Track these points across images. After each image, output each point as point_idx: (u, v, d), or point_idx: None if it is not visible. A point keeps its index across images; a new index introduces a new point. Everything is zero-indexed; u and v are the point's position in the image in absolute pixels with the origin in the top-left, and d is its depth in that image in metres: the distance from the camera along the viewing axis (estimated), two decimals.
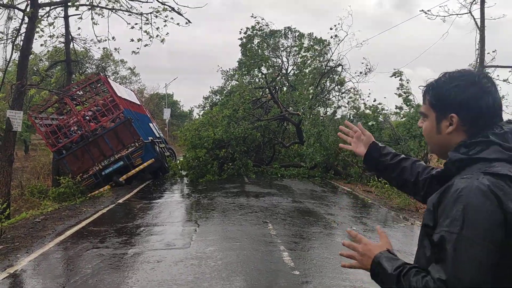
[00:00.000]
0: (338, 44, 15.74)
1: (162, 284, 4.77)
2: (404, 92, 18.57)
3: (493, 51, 16.69)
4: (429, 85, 1.42)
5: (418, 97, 16.82)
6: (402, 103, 18.19)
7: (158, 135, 18.78)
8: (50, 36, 14.80)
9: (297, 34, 33.55)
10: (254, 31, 20.14)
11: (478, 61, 16.13)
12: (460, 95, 1.33)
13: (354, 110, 16.39)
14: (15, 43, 10.75)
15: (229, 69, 37.13)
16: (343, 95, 16.23)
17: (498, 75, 17.91)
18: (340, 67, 15.86)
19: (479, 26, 15.80)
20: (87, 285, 4.82)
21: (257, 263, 5.52)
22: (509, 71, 16.36)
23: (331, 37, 15.86)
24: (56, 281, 5.01)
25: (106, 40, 14.74)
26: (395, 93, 17.45)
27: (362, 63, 16.60)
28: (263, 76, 19.17)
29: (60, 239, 7.06)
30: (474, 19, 15.70)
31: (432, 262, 1.22)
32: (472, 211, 1.15)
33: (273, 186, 13.36)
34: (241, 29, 19.21)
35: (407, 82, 18.45)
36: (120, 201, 11.17)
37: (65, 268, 5.59)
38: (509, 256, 1.15)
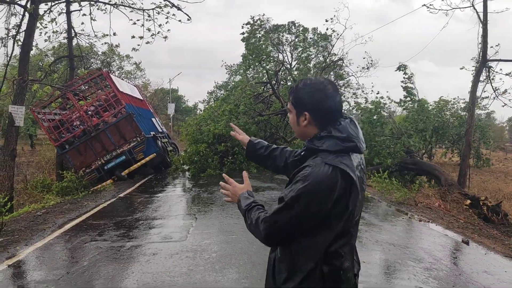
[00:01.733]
0: (338, 39, 15.75)
1: (156, 276, 4.85)
2: (408, 86, 18.54)
3: (496, 45, 16.58)
4: (292, 89, 1.93)
5: (421, 91, 16.77)
6: (405, 97, 18.19)
7: (160, 130, 18.87)
8: (54, 32, 14.92)
9: (301, 29, 33.49)
10: (255, 26, 20.16)
11: (481, 55, 16.05)
12: (310, 98, 1.84)
13: (356, 105, 16.39)
14: (16, 38, 10.84)
15: (233, 64, 37.15)
16: (344, 89, 16.20)
17: (501, 69, 17.85)
18: (341, 61, 15.82)
19: (482, 19, 15.71)
20: (83, 277, 4.91)
21: (251, 256, 5.58)
22: None
23: (327, 29, 15.84)
24: (53, 273, 5.10)
25: (108, 35, 14.86)
26: (401, 86, 17.46)
27: (364, 58, 16.59)
28: (265, 70, 19.17)
29: (60, 232, 7.17)
30: (477, 12, 15.63)
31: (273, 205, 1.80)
32: (306, 190, 1.67)
33: (274, 181, 13.41)
34: (243, 24, 19.24)
35: (411, 76, 18.44)
36: (121, 195, 11.28)
37: (63, 260, 5.68)
38: (317, 225, 1.73)
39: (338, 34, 15.15)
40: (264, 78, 21.63)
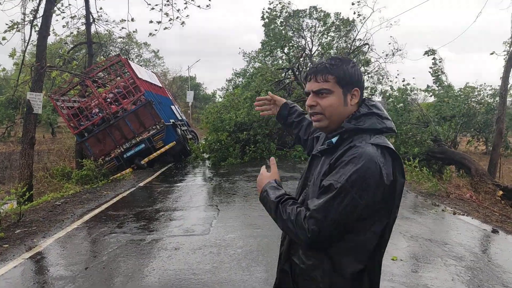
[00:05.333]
0: (364, 22, 15.08)
1: (179, 274, 4.53)
2: (436, 71, 17.82)
3: None
4: (326, 67, 1.65)
5: (449, 77, 16.11)
6: (434, 83, 17.49)
7: (180, 118, 18.60)
8: (71, 17, 14.69)
9: (322, 14, 32.59)
10: (275, 12, 19.58)
11: None
12: (357, 73, 1.68)
13: (382, 93, 15.78)
14: (34, 24, 10.59)
15: (252, 51, 36.59)
16: (370, 75, 15.56)
17: None
18: (367, 46, 15.19)
19: None
20: (102, 274, 4.63)
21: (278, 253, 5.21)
22: None
23: (354, 13, 15.15)
24: (71, 268, 4.83)
25: (125, 21, 14.57)
26: (429, 72, 16.76)
27: (389, 43, 15.91)
28: (287, 56, 18.63)
29: (78, 224, 6.93)
30: None
31: (314, 198, 1.56)
32: (360, 173, 1.46)
33: (297, 170, 13.00)
34: (263, 9, 18.69)
35: (440, 61, 17.70)
36: (141, 184, 11.04)
37: (81, 254, 5.41)
38: (370, 215, 1.51)
39: (364, 18, 14.46)
40: (284, 65, 21.11)
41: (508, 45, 15.69)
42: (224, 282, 4.30)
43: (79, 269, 4.80)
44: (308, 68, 1.98)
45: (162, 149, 14.10)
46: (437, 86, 17.95)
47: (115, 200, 8.96)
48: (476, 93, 25.63)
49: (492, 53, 16.49)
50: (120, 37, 22.06)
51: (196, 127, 31.66)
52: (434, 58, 17.16)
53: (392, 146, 1.56)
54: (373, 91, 15.25)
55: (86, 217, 7.35)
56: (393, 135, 13.15)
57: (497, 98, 24.11)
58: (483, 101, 25.16)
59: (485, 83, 28.93)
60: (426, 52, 17.98)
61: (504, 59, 15.55)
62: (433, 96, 18.49)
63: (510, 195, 11.35)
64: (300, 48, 19.60)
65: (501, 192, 11.69)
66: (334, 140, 1.64)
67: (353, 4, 15.03)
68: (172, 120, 15.78)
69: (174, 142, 14.41)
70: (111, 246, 5.61)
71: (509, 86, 15.59)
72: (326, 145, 1.68)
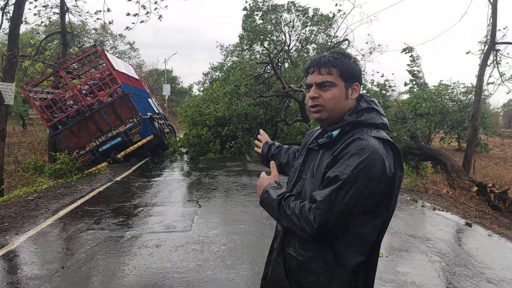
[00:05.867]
0: (344, 18, 15.06)
1: (162, 272, 4.37)
2: (413, 69, 18.03)
3: (504, 28, 16.06)
4: (329, 60, 1.65)
5: (426, 74, 16.36)
6: (410, 80, 17.71)
7: (157, 111, 18.26)
8: (44, 6, 14.19)
9: (301, 9, 32.53)
10: (258, 5, 19.41)
11: (490, 37, 15.50)
12: (357, 68, 1.69)
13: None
14: (5, 11, 10.13)
15: (229, 44, 36.29)
16: None
17: (508, 53, 17.37)
18: (347, 41, 15.19)
19: (491, 0, 15.10)
20: (80, 272, 4.42)
21: (263, 249, 5.10)
22: None
23: (336, 4, 15.08)
24: (47, 267, 4.60)
25: (101, 11, 14.18)
26: (407, 70, 16.94)
27: (367, 42, 15.98)
28: (267, 51, 18.49)
29: (53, 220, 6.66)
30: None
31: (318, 190, 1.54)
32: (365, 164, 1.47)
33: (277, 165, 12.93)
34: (246, 1, 18.50)
35: (417, 58, 17.91)
36: (118, 178, 10.75)
37: (57, 252, 5.17)
38: (373, 207, 1.53)
39: (345, 14, 14.42)
40: (261, 58, 20.95)
41: (483, 44, 15.98)
42: (209, 281, 4.17)
43: (55, 267, 4.57)
44: (309, 62, 1.80)
45: (139, 143, 13.80)
46: (414, 84, 18.17)
47: (91, 195, 8.68)
48: (449, 91, 26.16)
49: (467, 52, 16.80)
50: (95, 29, 21.40)
51: (173, 120, 31.25)
52: (411, 56, 17.35)
53: (391, 140, 1.60)
54: None
55: (61, 213, 7.07)
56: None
57: (470, 96, 24.74)
58: (456, 98, 25.70)
59: (458, 81, 29.51)
60: (403, 50, 18.18)
61: (479, 57, 15.87)
62: (408, 93, 18.71)
63: (484, 191, 11.59)
64: (279, 43, 19.49)
65: (476, 188, 11.93)
66: (335, 133, 1.64)
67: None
68: (149, 113, 15.46)
69: (152, 135, 14.12)
70: (88, 243, 5.39)
71: (483, 84, 15.90)
72: (326, 138, 1.66)
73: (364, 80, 16.31)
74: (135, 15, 14.07)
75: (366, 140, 1.53)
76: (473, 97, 16.83)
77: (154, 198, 8.30)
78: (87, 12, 16.23)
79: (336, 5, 15.19)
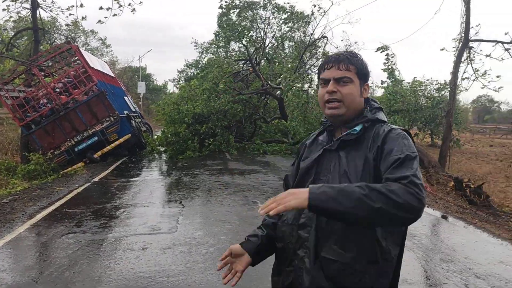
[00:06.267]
0: (323, 16, 15.08)
1: (150, 276, 4.24)
2: (389, 67, 18.26)
3: (477, 25, 16.40)
4: (347, 58, 1.69)
5: (403, 72, 16.60)
6: (387, 78, 17.93)
7: (133, 109, 17.92)
8: (13, 1, 13.71)
9: (276, 6, 32.49)
10: (232, 2, 19.26)
11: (463, 34, 15.83)
12: (368, 69, 1.75)
13: None
14: None
15: (204, 41, 35.99)
16: None
17: (481, 50, 17.82)
18: (325, 39, 15.24)
19: None
20: (64, 278, 4.24)
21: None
22: (493, 45, 16.17)
23: (314, 5, 15.10)
24: (27, 274, 4.40)
25: (74, 7, 13.81)
26: (382, 69, 17.12)
27: (342, 40, 16.09)
28: (245, 48, 18.38)
29: (31, 223, 6.41)
30: None
31: (391, 171, 1.47)
32: (410, 142, 1.57)
33: (257, 163, 12.88)
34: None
35: (392, 57, 18.15)
36: (96, 179, 10.48)
37: (38, 258, 4.96)
38: None
39: (324, 11, 14.45)
40: (238, 57, 20.83)
41: (458, 41, 16.29)
42: (200, 284, 4.07)
43: (36, 274, 4.38)
44: (326, 58, 1.81)
45: (117, 142, 13.49)
46: (391, 81, 18.41)
47: (69, 196, 8.42)
48: (423, 88, 26.67)
49: (442, 49, 17.17)
50: (67, 24, 20.81)
51: (148, 119, 30.76)
52: (387, 54, 17.56)
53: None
54: None
55: (39, 216, 6.82)
56: None
57: (443, 92, 25.28)
58: (429, 95, 26.22)
59: (431, 78, 30.08)
60: (378, 49, 18.39)
61: (454, 55, 16.17)
62: (383, 90, 18.96)
63: (460, 186, 11.83)
64: (257, 40, 19.41)
65: (452, 183, 12.18)
66: (358, 128, 1.66)
67: None
68: (126, 112, 15.14)
69: (129, 134, 13.83)
70: (70, 248, 5.20)
71: (458, 81, 16.24)
72: (347, 136, 1.66)
73: None
74: (108, 9, 13.78)
75: (398, 130, 1.62)
76: (448, 94, 17.18)
77: (135, 198, 8.11)
78: (59, 8, 15.78)
79: (314, 6, 15.11)
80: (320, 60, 15.50)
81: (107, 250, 5.06)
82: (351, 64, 1.67)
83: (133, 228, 6.00)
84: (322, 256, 1.55)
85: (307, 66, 17.17)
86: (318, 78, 1.78)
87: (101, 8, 13.94)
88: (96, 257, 4.85)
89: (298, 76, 15.86)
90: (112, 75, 18.45)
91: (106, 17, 12.77)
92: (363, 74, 1.70)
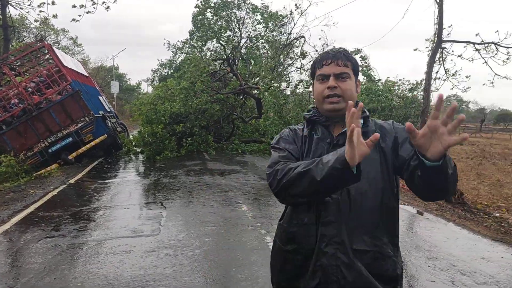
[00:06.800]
0: (300, 15, 15.12)
1: (136, 281, 4.11)
2: (365, 68, 18.47)
3: (449, 26, 16.74)
4: (344, 54, 1.72)
5: (380, 72, 16.80)
6: (364, 79, 18.12)
7: (108, 109, 17.53)
8: None
9: (251, 6, 32.45)
10: (208, 2, 19.12)
11: (436, 35, 16.15)
12: (359, 65, 1.80)
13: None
14: None
15: (178, 41, 35.66)
16: (305, 68, 15.67)
17: (453, 50, 18.21)
18: (303, 38, 15.28)
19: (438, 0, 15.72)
20: (43, 285, 4.07)
21: (239, 251, 4.97)
22: (464, 46, 16.55)
23: (296, 5, 15.11)
24: (4, 281, 4.20)
25: (44, 4, 13.44)
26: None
27: (320, 38, 16.17)
28: (223, 47, 18.26)
29: (6, 228, 6.15)
30: None
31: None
32: None
33: (236, 163, 12.80)
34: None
35: (366, 57, 18.36)
36: (72, 181, 10.19)
37: (14, 264, 4.75)
38: None
39: (301, 11, 14.46)
40: (213, 56, 20.69)
41: (431, 42, 16.61)
42: (189, 287, 3.98)
43: (14, 281, 4.19)
44: (322, 54, 1.79)
45: (92, 143, 13.16)
46: (367, 81, 18.63)
47: (45, 199, 8.15)
48: (396, 87, 27.12)
49: (415, 49, 17.41)
50: (37, 20, 20.11)
51: (122, 119, 30.20)
52: (361, 56, 17.79)
53: None
54: (308, 84, 15.38)
55: (14, 220, 6.56)
56: None
57: (415, 92, 25.76)
58: (402, 95, 26.70)
59: (404, 78, 30.62)
60: (352, 52, 18.58)
61: (427, 55, 16.49)
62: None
63: None
64: (234, 39, 19.32)
65: None
66: (361, 121, 1.68)
67: None
68: (101, 112, 14.80)
69: (105, 135, 13.52)
70: (49, 252, 5.01)
71: (432, 80, 16.48)
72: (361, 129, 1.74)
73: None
74: (82, 6, 13.46)
75: (393, 121, 1.76)
76: (420, 94, 17.45)
77: (113, 200, 7.92)
78: (29, 5, 15.30)
79: (296, 6, 15.07)
80: (298, 59, 15.52)
81: (88, 255, 4.90)
82: (348, 60, 1.71)
83: (114, 231, 5.84)
84: (354, 249, 1.58)
85: (285, 66, 17.17)
86: (313, 74, 1.80)
87: (74, 6, 13.59)
88: (78, 261, 4.69)
89: (275, 76, 15.83)
90: (86, 74, 18.01)
91: (80, 15, 12.42)
92: (357, 70, 1.76)
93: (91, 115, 13.05)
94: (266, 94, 15.64)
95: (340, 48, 1.77)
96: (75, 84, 13.44)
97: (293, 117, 14.82)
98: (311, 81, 1.87)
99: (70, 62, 15.35)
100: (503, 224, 7.21)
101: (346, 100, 1.68)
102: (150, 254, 4.86)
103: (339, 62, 1.70)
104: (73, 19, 13.89)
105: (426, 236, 6.14)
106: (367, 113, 1.74)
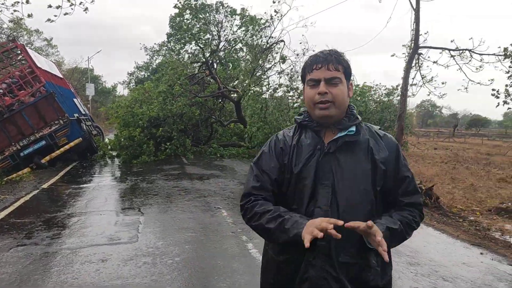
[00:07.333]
0: (280, 20, 15.11)
1: None
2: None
3: (425, 33, 17.04)
4: (335, 57, 1.66)
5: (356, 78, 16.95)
6: None
7: (83, 112, 17.14)
8: None
9: (229, 10, 32.34)
10: (188, 4, 18.94)
11: (413, 41, 16.42)
12: (351, 67, 1.72)
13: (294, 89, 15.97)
14: None
15: (155, 43, 35.33)
16: (284, 72, 15.64)
17: (429, 57, 18.57)
18: (282, 43, 15.28)
19: (414, 6, 15.99)
20: None
21: (220, 259, 4.86)
22: (440, 52, 16.90)
23: (275, 11, 15.07)
24: None
25: (19, 3, 13.03)
26: None
27: (300, 43, 16.19)
28: (201, 50, 18.11)
29: None
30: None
31: (406, 194, 1.72)
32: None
33: (215, 167, 12.67)
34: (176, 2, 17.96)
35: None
36: (45, 186, 9.87)
37: None
38: None
39: (281, 15, 14.45)
40: (191, 59, 20.50)
41: (408, 48, 16.88)
42: None
43: None
44: (312, 58, 1.72)
45: (67, 146, 12.82)
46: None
47: (16, 205, 7.84)
48: (372, 92, 27.51)
49: (393, 55, 17.64)
50: (11, 21, 19.58)
51: (98, 122, 29.62)
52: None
53: None
54: (288, 89, 15.38)
55: None
56: None
57: (391, 97, 26.16)
58: (378, 100, 27.07)
59: (380, 83, 31.10)
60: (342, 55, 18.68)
61: (404, 60, 16.74)
62: None
63: None
64: (213, 42, 19.20)
65: None
66: (353, 129, 1.68)
67: (274, 2, 14.61)
68: (76, 115, 14.44)
69: (80, 138, 13.19)
70: (21, 262, 4.79)
71: (408, 85, 16.77)
72: (350, 137, 1.67)
73: (298, 80, 16.49)
74: (58, 7, 13.11)
75: (391, 136, 1.75)
76: (396, 99, 17.72)
77: (89, 206, 7.68)
78: (3, 4, 14.83)
79: (276, 11, 15.04)
80: (278, 63, 15.51)
81: (62, 263, 4.70)
82: (339, 64, 1.65)
83: (89, 239, 5.64)
84: (341, 261, 1.59)
85: (264, 70, 17.14)
86: (303, 78, 1.74)
87: (50, 6, 13.23)
88: (51, 271, 4.49)
89: (255, 80, 15.77)
90: (61, 76, 17.58)
91: (56, 15, 12.05)
92: (349, 73, 1.70)
93: (66, 118, 12.71)
94: (246, 98, 15.57)
95: (332, 50, 1.70)
96: (49, 85, 13.07)
97: (273, 121, 14.78)
98: (292, 85, 1.85)
99: (44, 63, 14.94)
100: (478, 228, 7.32)
101: (337, 106, 1.64)
102: (127, 262, 4.70)
103: (330, 66, 1.64)
104: (49, 19, 13.51)
105: (407, 241, 6.14)
106: (360, 118, 1.71)
